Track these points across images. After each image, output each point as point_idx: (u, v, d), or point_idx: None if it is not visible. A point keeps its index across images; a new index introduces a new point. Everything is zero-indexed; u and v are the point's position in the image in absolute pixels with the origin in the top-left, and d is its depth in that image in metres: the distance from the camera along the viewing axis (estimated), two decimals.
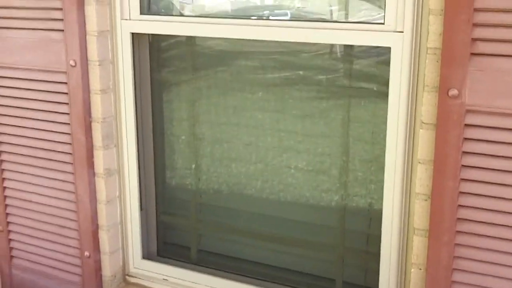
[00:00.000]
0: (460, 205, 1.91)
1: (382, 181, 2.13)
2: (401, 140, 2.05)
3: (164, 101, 2.64)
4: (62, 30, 2.44)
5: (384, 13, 1.99)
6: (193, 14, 2.47)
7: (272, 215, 2.55)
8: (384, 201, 2.14)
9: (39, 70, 2.53)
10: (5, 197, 2.78)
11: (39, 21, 2.49)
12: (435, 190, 1.92)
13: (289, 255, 2.53)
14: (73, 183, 2.59)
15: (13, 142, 2.68)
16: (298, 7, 2.25)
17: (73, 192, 2.60)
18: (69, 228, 2.66)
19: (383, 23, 2.00)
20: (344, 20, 2.16)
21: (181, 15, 2.48)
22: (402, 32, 1.96)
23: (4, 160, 2.73)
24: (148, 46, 2.56)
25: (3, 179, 2.76)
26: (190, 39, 2.52)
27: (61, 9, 2.41)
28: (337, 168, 2.37)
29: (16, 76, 2.59)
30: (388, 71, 2.03)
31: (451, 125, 1.85)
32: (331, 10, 2.20)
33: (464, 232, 1.93)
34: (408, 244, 2.13)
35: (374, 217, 2.33)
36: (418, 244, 2.03)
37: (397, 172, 2.09)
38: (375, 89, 2.22)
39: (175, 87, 2.61)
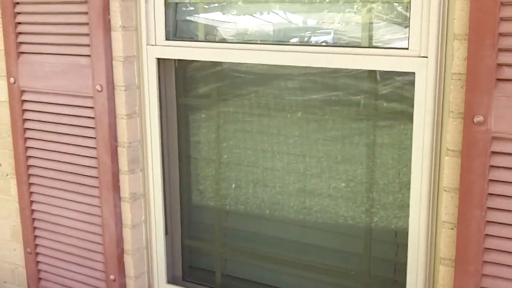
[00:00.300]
0: (487, 235, 1.86)
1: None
2: (426, 167, 2.01)
3: (190, 125, 2.64)
4: (89, 56, 2.46)
5: (408, 38, 1.96)
6: (221, 38, 2.47)
7: (298, 241, 2.52)
8: (410, 229, 2.09)
9: (66, 95, 2.56)
10: (34, 219, 2.81)
11: (67, 47, 2.52)
12: (461, 219, 1.87)
13: (315, 282, 2.49)
14: (99, 206, 2.60)
15: (42, 166, 2.71)
16: (332, 30, 2.23)
17: (99, 216, 2.61)
18: (95, 251, 2.66)
19: (407, 48, 1.97)
20: (368, 45, 2.13)
21: (207, 40, 2.48)
22: (426, 57, 1.93)
23: (33, 183, 2.77)
24: (174, 70, 2.57)
25: (32, 201, 2.79)
26: (216, 63, 2.52)
27: (88, 34, 2.44)
28: (365, 192, 2.33)
29: (45, 101, 2.62)
30: None
31: (476, 152, 1.80)
32: (362, 32, 2.16)
33: (491, 262, 1.87)
34: (435, 274, 2.08)
35: (401, 244, 2.28)
36: (445, 274, 1.98)
37: (422, 200, 2.04)
38: (407, 110, 2.18)
39: (201, 110, 2.61)
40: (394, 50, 2.01)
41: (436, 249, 2.06)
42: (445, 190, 1.93)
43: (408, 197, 2.10)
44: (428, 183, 2.02)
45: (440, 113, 1.96)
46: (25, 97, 2.68)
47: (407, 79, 2.14)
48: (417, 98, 1.98)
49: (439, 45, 1.91)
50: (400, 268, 2.28)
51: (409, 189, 2.08)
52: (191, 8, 2.48)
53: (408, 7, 2.00)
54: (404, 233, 2.24)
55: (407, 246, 2.12)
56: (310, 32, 2.28)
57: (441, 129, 1.97)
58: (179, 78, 2.59)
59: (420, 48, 1.94)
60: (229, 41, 2.43)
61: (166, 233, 2.67)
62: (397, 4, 2.06)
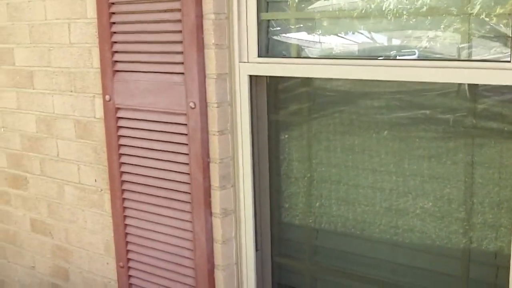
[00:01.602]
0: None
1: (510, 227, 2.01)
2: None
3: (280, 142, 2.64)
4: (183, 73, 2.51)
5: (511, 51, 1.90)
6: (313, 56, 2.46)
7: (390, 261, 2.46)
8: None
9: (160, 112, 2.61)
10: (126, 234, 2.87)
11: (161, 65, 2.58)
12: None
13: None
14: (190, 222, 2.63)
15: (135, 181, 2.77)
16: (425, 47, 2.18)
17: (191, 231, 2.63)
18: (186, 266, 2.69)
19: (510, 61, 1.90)
20: (468, 58, 2.07)
21: (299, 56, 2.48)
22: None
23: (126, 199, 2.83)
24: (265, 87, 2.58)
25: (125, 216, 2.85)
26: (308, 80, 2.51)
27: (182, 52, 2.49)
28: (461, 212, 2.26)
29: (139, 118, 2.69)
30: None
31: None
32: (458, 49, 2.11)
33: None
34: None
35: (501, 266, 2.19)
36: None
37: None
38: (502, 129, 2.11)
39: (292, 127, 2.61)
40: (494, 63, 1.95)
41: None
42: None
43: (508, 218, 2.02)
44: None
45: None
46: (120, 114, 2.75)
47: (502, 98, 2.07)
48: None
49: None
50: None
51: (509, 209, 2.00)
52: (283, 25, 2.49)
53: (508, 20, 1.94)
54: (507, 254, 2.15)
55: (506, 268, 2.04)
56: (413, 48, 2.23)
57: None
58: (270, 95, 2.60)
59: None
60: (323, 57, 2.42)
61: (256, 249, 2.67)
62: (497, 17, 2.00)
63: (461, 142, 2.21)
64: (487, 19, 2.01)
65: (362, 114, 2.40)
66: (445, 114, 2.22)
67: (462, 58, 2.10)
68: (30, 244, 3.46)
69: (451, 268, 2.32)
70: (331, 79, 2.43)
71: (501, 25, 2.00)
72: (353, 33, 2.35)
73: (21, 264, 3.55)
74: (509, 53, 1.92)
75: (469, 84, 2.14)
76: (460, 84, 2.16)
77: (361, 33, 2.33)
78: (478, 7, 2.02)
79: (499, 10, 1.97)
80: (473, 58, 2.07)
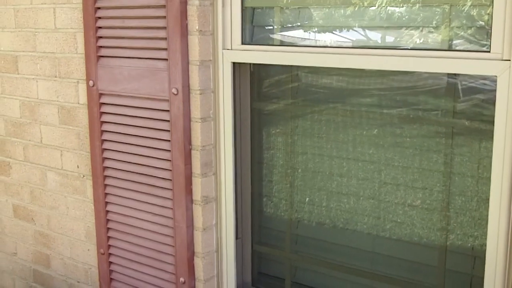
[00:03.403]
0: None
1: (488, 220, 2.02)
2: (506, 179, 1.93)
3: (263, 130, 2.64)
4: (166, 59, 2.50)
5: (490, 40, 1.90)
6: (297, 44, 2.46)
7: (370, 251, 2.47)
8: (488, 242, 2.01)
9: (143, 98, 2.60)
10: (108, 220, 2.86)
11: (145, 51, 2.57)
12: None
13: None
14: (171, 209, 2.62)
15: (117, 167, 2.77)
16: (416, 43, 2.18)
17: (171, 218, 2.63)
18: (166, 253, 2.69)
19: (489, 51, 1.91)
20: (447, 48, 2.08)
21: (282, 44, 2.48)
22: (509, 60, 1.86)
23: (108, 185, 2.82)
24: (249, 75, 2.58)
25: (106, 203, 2.85)
26: (292, 68, 2.51)
27: (165, 38, 2.48)
28: (441, 205, 2.26)
29: (122, 103, 2.68)
30: None
31: None
32: (440, 40, 2.11)
33: None
34: None
35: (478, 257, 2.20)
36: None
37: (502, 214, 1.96)
38: (485, 127, 2.11)
39: (275, 117, 2.61)
40: (475, 53, 1.95)
41: None
42: None
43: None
44: (509, 196, 1.94)
45: None
46: (103, 100, 2.75)
47: (491, 96, 2.07)
48: (498, 104, 1.91)
49: None
50: (477, 282, 2.20)
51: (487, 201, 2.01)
52: (268, 13, 2.49)
53: (489, 10, 1.95)
54: (484, 247, 2.17)
55: (482, 259, 2.05)
56: (404, 45, 2.24)
57: None
58: (253, 83, 2.59)
59: (503, 51, 1.88)
60: (306, 45, 2.42)
61: (237, 237, 2.67)
62: (477, 7, 2.00)
63: (446, 139, 2.22)
64: (470, 11, 2.02)
65: (346, 104, 2.40)
66: (434, 111, 2.22)
67: (444, 48, 2.10)
68: (12, 230, 3.45)
69: (429, 259, 2.33)
70: (315, 68, 2.43)
71: (481, 16, 2.01)
72: (339, 23, 2.34)
73: (2, 251, 3.54)
74: (489, 43, 1.92)
75: (461, 83, 2.14)
76: (455, 83, 2.16)
77: (347, 23, 2.33)
78: None
79: (479, 1, 1.98)
80: (455, 48, 2.08)
